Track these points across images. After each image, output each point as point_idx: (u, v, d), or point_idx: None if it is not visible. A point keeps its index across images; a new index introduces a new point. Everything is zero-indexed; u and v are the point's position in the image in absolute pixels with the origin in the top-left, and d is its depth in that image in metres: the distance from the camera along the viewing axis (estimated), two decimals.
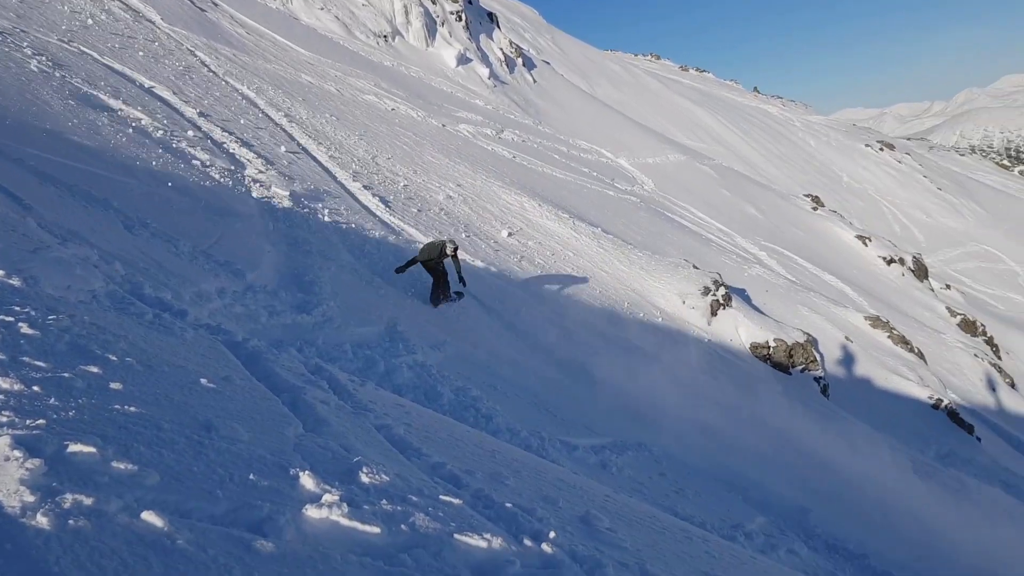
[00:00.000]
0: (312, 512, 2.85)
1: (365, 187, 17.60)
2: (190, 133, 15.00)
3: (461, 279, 13.42)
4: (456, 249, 13.32)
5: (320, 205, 14.87)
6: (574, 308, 16.67)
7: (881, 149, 79.91)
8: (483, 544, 3.05)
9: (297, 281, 11.16)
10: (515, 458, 5.07)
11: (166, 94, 16.93)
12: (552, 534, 3.48)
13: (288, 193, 14.44)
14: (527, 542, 3.33)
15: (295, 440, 3.65)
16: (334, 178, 17.29)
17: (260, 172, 14.99)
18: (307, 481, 3.12)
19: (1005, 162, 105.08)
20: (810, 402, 19.21)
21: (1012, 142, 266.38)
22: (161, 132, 14.16)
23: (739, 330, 21.18)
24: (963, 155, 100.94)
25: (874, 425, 19.33)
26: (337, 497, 2.97)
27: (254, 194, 13.68)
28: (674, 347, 17.79)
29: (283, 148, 17.36)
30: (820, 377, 20.94)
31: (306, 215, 13.88)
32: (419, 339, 10.91)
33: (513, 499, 3.90)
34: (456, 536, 3.04)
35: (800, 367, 20.83)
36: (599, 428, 11.45)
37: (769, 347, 20.87)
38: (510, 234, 19.33)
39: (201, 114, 16.70)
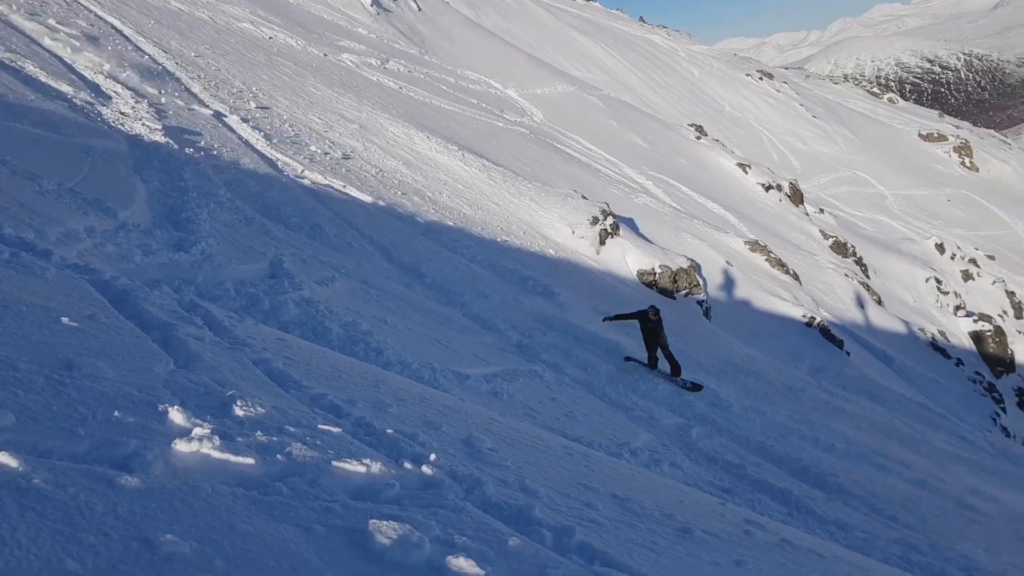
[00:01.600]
0: (181, 446, 2.79)
1: (243, 120, 16.91)
2: (49, 64, 14.00)
3: (667, 354, 13.77)
4: (657, 312, 13.69)
5: (196, 140, 14.23)
6: (465, 241, 16.65)
7: (760, 78, 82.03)
8: (362, 469, 3.07)
9: (173, 219, 10.73)
10: (400, 387, 5.08)
11: (20, 21, 15.69)
12: (433, 457, 3.53)
13: (160, 127, 13.73)
14: (407, 465, 3.36)
15: (165, 376, 3.55)
16: (210, 110, 16.53)
17: (129, 105, 14.18)
18: (176, 416, 3.05)
19: (875, 90, 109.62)
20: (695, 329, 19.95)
21: (882, 70, 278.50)
22: (17, 63, 13.16)
23: (626, 258, 21.70)
24: (837, 83, 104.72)
25: (752, 344, 20.29)
26: (208, 430, 2.92)
27: (123, 129, 12.95)
28: (564, 276, 18.07)
29: (153, 79, 16.44)
30: (703, 300, 21.76)
31: (180, 151, 13.26)
32: (305, 276, 10.69)
33: (395, 426, 3.92)
34: (334, 463, 3.04)
35: (684, 291, 21.56)
36: (491, 358, 11.57)
37: (655, 273, 21.48)
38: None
39: (61, 43, 15.58)
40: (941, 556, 11.03)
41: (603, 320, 14.49)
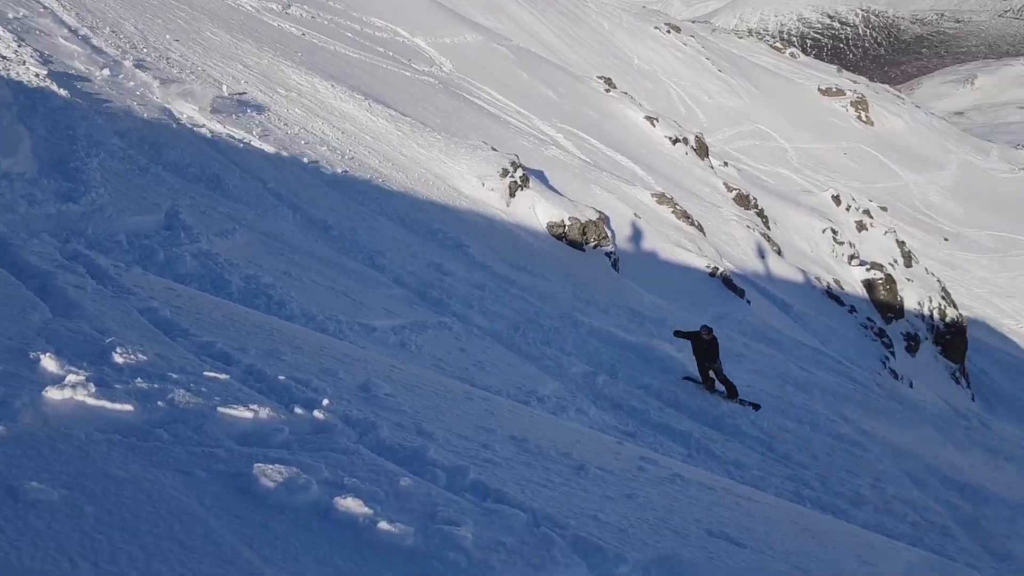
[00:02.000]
0: (53, 394, 2.68)
1: (137, 66, 16.09)
2: None
3: (722, 379, 13.67)
4: (710, 332, 13.55)
5: (85, 86, 13.49)
6: (372, 193, 16.40)
7: (668, 32, 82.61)
8: (249, 415, 3.01)
9: (61, 168, 10.20)
10: (297, 336, 4.99)
11: None
12: (326, 402, 3.49)
13: (46, 72, 12.95)
14: (298, 411, 3.32)
15: (40, 325, 3.39)
16: (100, 56, 15.67)
17: (12, 49, 13.32)
18: (49, 363, 2.92)
19: (778, 44, 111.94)
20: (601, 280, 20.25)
21: (784, 25, 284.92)
22: None
23: (536, 210, 21.79)
24: (741, 38, 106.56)
25: (658, 293, 20.75)
26: (83, 378, 2.81)
27: (5, 74, 12.17)
28: (474, 228, 18.05)
29: (37, 21, 15.46)
30: (611, 252, 22.09)
31: (68, 98, 12.55)
32: (204, 228, 10.36)
33: (288, 373, 3.86)
34: (220, 409, 2.98)
35: (593, 244, 21.83)
36: (399, 310, 11.50)
37: (564, 225, 21.66)
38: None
39: None
40: (831, 491, 11.64)
41: (674, 333, 14.59)
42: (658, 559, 3.05)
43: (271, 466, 2.61)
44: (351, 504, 2.57)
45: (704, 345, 13.72)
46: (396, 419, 3.72)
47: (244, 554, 2.23)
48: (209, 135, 14.42)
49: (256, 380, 3.65)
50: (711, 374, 13.92)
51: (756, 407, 13.93)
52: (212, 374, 3.40)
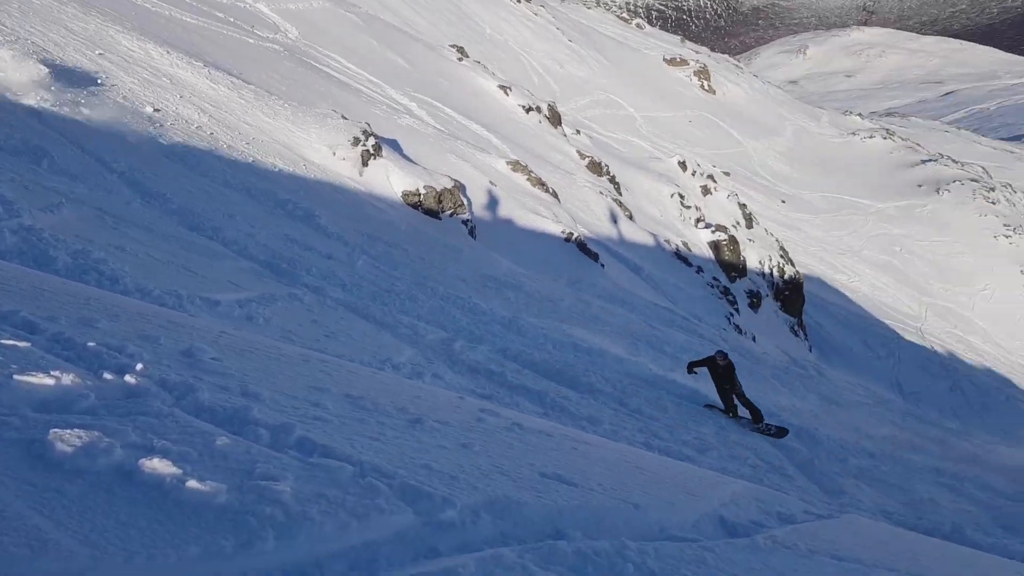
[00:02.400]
0: None
1: None
2: None
3: (745, 402, 13.56)
4: (725, 357, 13.42)
5: None
6: (215, 164, 15.74)
7: (519, 1, 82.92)
8: (50, 382, 2.83)
9: None
10: (116, 304, 4.71)
11: None
12: (140, 367, 3.32)
13: None
14: (108, 376, 3.15)
15: None
16: None
17: None
18: None
19: (624, 15, 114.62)
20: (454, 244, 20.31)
21: None
22: None
23: (390, 179, 21.54)
24: (590, 8, 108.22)
25: (515, 259, 21.02)
26: None
27: None
28: (325, 199, 17.67)
29: None
30: (467, 220, 22.15)
31: None
32: (26, 202, 9.65)
33: (101, 340, 3.65)
34: (16, 377, 2.78)
35: (449, 212, 21.82)
36: (246, 283, 11.13)
37: (420, 194, 21.53)
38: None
39: None
40: (679, 440, 12.23)
41: (688, 366, 14.35)
42: (487, 502, 3.10)
43: (69, 431, 2.46)
44: (158, 465, 2.47)
45: (720, 370, 13.72)
46: (220, 382, 3.59)
47: (32, 519, 2.10)
48: (33, 105, 13.39)
49: (63, 348, 3.41)
50: (734, 399, 13.98)
51: (783, 433, 13.94)
52: (11, 342, 3.16)
